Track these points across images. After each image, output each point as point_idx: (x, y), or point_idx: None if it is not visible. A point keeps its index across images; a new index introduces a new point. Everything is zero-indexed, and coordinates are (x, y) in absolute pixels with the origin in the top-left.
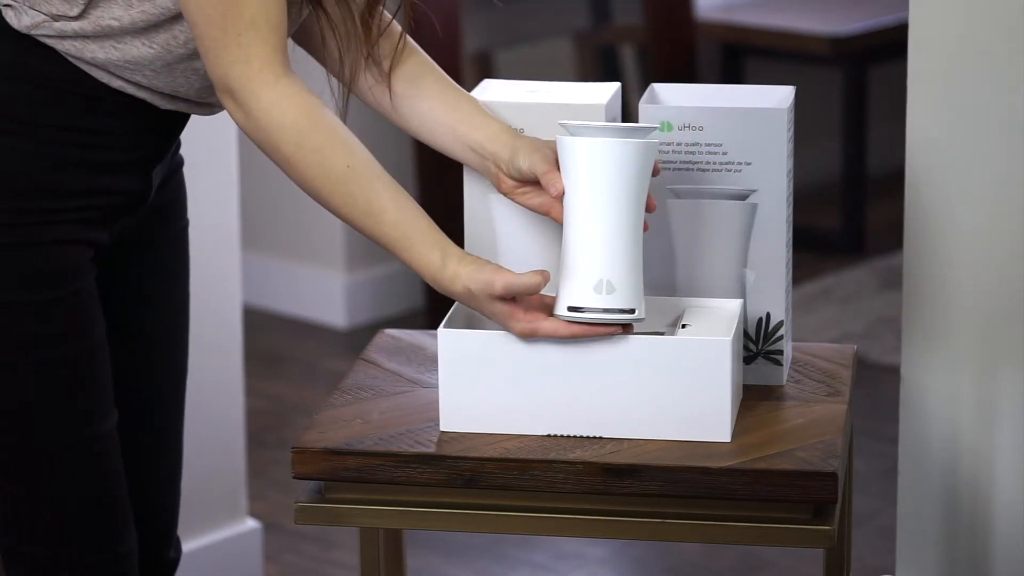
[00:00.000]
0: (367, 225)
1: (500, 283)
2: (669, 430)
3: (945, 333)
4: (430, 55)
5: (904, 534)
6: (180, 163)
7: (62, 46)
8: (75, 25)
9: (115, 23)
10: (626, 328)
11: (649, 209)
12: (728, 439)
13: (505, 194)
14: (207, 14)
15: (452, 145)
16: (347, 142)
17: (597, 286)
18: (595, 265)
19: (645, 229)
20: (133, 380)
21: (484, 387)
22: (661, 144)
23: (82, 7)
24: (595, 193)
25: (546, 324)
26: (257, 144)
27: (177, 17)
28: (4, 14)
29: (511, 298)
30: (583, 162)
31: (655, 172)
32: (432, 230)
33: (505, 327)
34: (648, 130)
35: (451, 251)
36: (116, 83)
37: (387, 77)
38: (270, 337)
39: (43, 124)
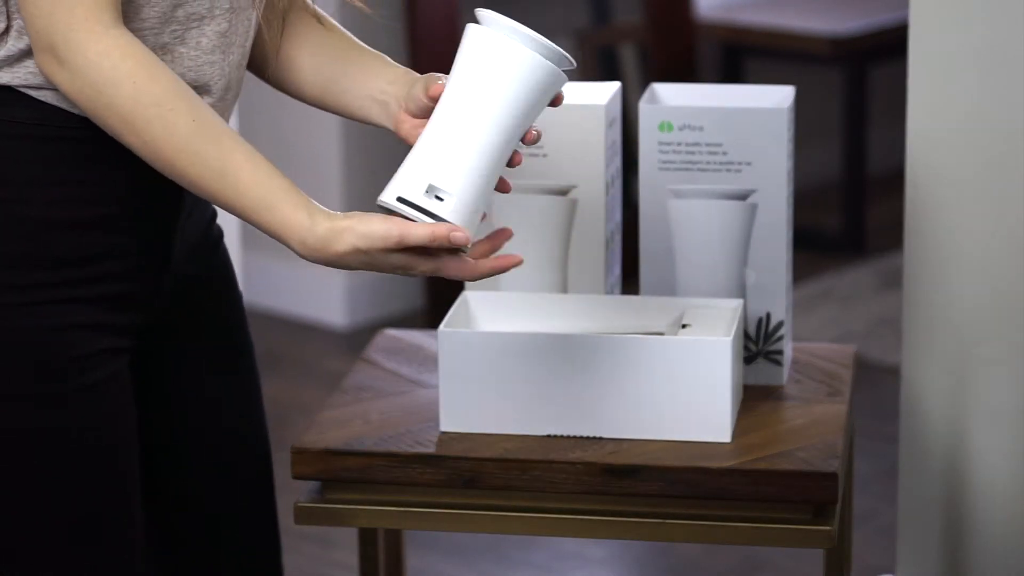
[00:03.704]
0: (220, 188)
1: (397, 234)
2: (669, 430)
3: (945, 333)
4: (430, 54)
5: (904, 534)
6: (219, 236)
7: (19, 78)
8: (15, 45)
9: None
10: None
11: (527, 140)
12: (728, 439)
13: (404, 138)
14: None
15: (349, 101)
16: (190, 96)
17: (429, 188)
18: (437, 164)
19: (516, 162)
20: (215, 479)
21: (484, 387)
22: (661, 144)
23: (4, 23)
24: (474, 90)
25: (451, 266)
26: (88, 110)
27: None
28: None
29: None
30: (478, 53)
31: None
32: (295, 189)
33: (406, 274)
34: (562, 59)
35: (316, 209)
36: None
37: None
38: (270, 337)
39: (20, 182)
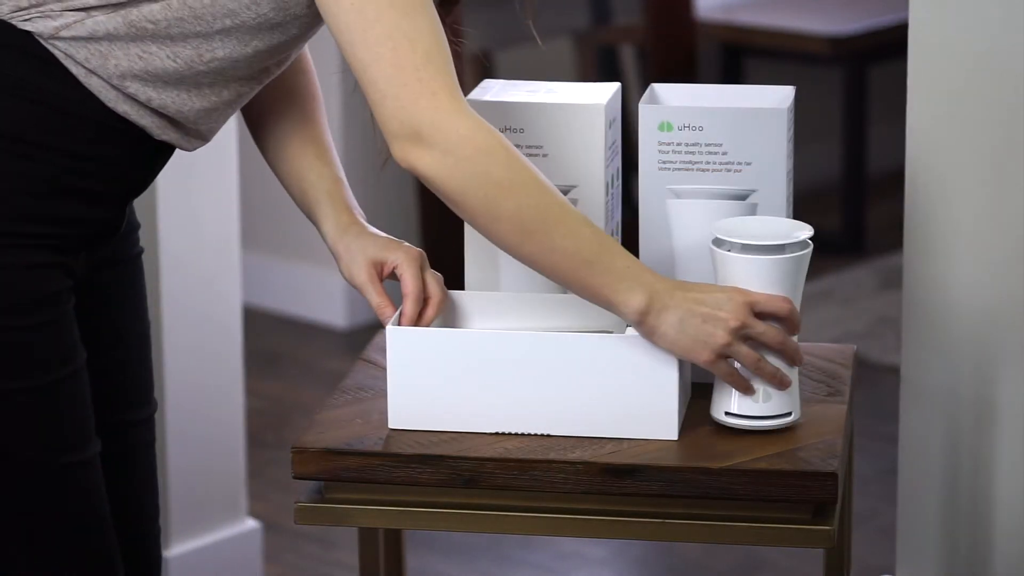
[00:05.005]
0: (599, 252)
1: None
2: (618, 428)
3: (945, 333)
4: None
5: (904, 534)
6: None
7: (84, 53)
8: (109, 24)
9: (150, 25)
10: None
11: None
12: (675, 437)
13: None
14: (378, 54)
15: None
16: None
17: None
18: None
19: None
20: (99, 412)
21: (433, 385)
22: (660, 144)
23: None
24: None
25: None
26: (457, 185)
27: (208, 35)
28: (32, 22)
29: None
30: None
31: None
32: None
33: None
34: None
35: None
36: (121, 108)
37: None
38: (270, 337)
39: (44, 146)
